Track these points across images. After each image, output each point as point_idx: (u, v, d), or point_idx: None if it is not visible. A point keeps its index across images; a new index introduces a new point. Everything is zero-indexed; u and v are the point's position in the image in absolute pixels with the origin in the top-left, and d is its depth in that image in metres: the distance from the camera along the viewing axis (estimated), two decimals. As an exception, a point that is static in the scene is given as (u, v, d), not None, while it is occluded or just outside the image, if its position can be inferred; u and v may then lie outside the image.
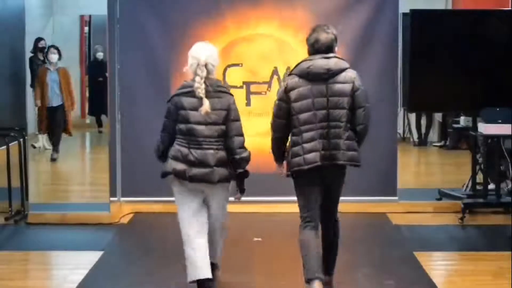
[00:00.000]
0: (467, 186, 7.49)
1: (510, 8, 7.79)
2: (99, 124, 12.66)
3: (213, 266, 4.97)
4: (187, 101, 4.69)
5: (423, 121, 11.56)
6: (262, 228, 6.50)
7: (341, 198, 7.14)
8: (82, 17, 13.80)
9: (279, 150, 4.86)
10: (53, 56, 9.76)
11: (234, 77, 7.15)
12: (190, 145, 4.70)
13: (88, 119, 13.49)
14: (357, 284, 5.18)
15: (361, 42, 7.20)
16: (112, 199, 7.11)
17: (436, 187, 7.77)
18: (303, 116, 4.65)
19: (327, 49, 4.69)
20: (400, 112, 9.12)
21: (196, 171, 4.68)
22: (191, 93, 4.68)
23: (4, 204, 6.99)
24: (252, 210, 6.96)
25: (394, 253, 5.96)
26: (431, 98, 7.15)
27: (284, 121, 4.73)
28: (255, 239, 6.27)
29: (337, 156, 4.66)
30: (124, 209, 7.20)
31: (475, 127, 7.15)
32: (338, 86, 4.64)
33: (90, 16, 13.89)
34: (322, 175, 4.74)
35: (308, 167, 4.64)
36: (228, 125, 4.76)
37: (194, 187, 4.76)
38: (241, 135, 4.80)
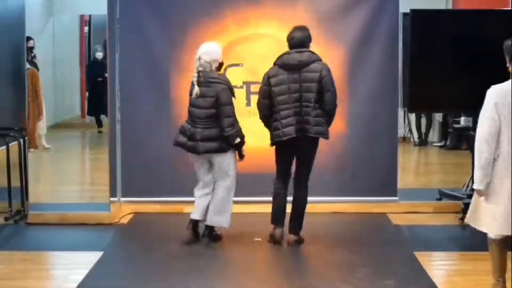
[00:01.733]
0: (467, 186, 7.48)
1: (510, 8, 7.78)
2: (99, 124, 12.66)
3: (210, 229, 6.13)
4: (191, 89, 6.02)
5: (423, 121, 11.55)
6: (262, 228, 6.50)
7: (341, 198, 7.23)
8: (82, 16, 13.80)
9: (267, 125, 6.06)
10: None
11: (235, 77, 7.13)
12: (191, 123, 6.01)
13: (88, 119, 13.49)
14: (357, 284, 5.17)
15: (361, 42, 7.20)
16: (112, 199, 7.11)
17: (436, 187, 7.77)
18: (281, 98, 5.87)
19: (300, 44, 5.89)
20: (401, 112, 9.11)
21: (190, 143, 6.00)
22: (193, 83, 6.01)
23: (4, 204, 6.99)
24: (252, 210, 6.96)
25: (394, 253, 5.96)
26: (431, 98, 7.13)
27: (267, 101, 5.97)
28: (255, 239, 6.28)
29: (307, 129, 5.83)
30: (124, 209, 7.20)
31: (475, 127, 7.13)
32: (308, 75, 5.82)
33: (90, 16, 13.89)
34: (297, 145, 5.94)
35: (285, 138, 5.86)
36: (219, 109, 5.86)
37: (198, 155, 6.03)
38: (229, 116, 5.88)
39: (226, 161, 6.01)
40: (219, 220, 6.09)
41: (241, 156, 6.07)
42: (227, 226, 6.14)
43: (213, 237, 6.14)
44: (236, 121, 5.98)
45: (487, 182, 4.56)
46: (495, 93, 4.53)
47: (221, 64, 6.11)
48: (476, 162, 4.65)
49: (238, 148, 6.03)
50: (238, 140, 5.95)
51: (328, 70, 5.87)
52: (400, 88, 7.34)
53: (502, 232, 4.56)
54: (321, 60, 5.92)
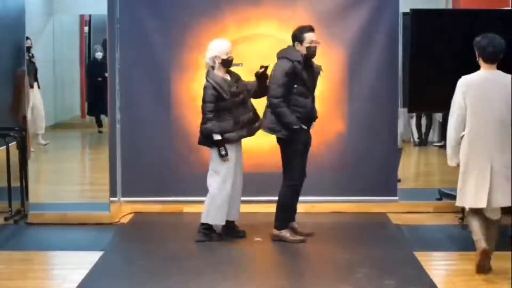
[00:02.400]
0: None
1: (510, 8, 7.78)
2: (99, 124, 12.63)
3: (206, 226, 6.20)
4: None
5: (423, 121, 11.55)
6: (262, 228, 6.50)
7: (341, 198, 7.20)
8: (82, 16, 13.78)
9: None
10: None
11: (234, 77, 7.15)
12: None
13: (88, 119, 13.46)
14: (357, 284, 5.17)
15: (361, 42, 7.20)
16: (112, 199, 7.10)
17: (436, 187, 7.77)
18: None
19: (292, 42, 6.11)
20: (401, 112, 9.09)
21: None
22: None
23: (4, 204, 6.99)
24: (252, 210, 6.96)
25: (394, 253, 5.96)
26: (431, 98, 7.13)
27: None
28: (255, 239, 6.28)
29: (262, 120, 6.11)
30: (124, 209, 7.20)
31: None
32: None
33: (90, 16, 13.87)
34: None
35: None
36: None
37: None
38: (205, 113, 5.98)
39: (213, 156, 6.11)
40: (204, 217, 6.15)
41: (220, 155, 6.01)
42: (211, 223, 6.16)
43: (207, 235, 6.20)
44: (218, 117, 5.96)
45: (457, 160, 5.28)
46: (463, 83, 5.14)
47: (225, 61, 6.05)
48: (447, 142, 5.33)
49: (215, 145, 6.02)
50: (218, 137, 5.97)
51: (279, 68, 5.94)
52: (400, 88, 7.33)
53: (476, 205, 5.16)
54: (287, 58, 5.95)
